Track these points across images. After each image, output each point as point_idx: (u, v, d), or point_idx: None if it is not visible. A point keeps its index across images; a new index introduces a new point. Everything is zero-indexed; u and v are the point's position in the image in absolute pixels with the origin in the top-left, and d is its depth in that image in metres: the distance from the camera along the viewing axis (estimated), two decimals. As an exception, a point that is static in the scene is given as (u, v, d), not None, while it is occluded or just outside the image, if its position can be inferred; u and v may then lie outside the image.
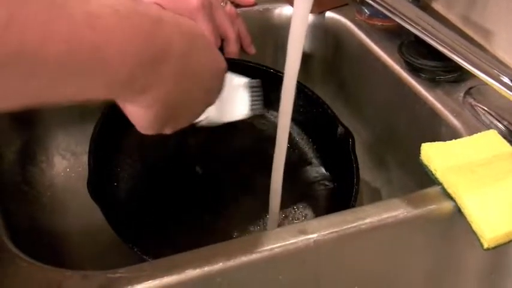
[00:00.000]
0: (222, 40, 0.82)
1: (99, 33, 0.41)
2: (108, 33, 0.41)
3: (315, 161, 0.82)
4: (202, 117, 0.61)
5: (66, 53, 0.39)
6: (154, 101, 0.48)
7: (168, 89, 0.48)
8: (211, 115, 0.62)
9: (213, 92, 0.58)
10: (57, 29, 0.38)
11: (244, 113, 0.65)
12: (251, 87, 0.65)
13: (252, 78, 0.77)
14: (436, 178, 0.63)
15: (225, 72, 0.58)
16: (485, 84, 0.65)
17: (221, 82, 0.58)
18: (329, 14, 0.92)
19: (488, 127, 0.70)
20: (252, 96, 0.66)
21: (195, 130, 0.81)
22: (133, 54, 0.43)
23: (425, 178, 0.64)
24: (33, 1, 0.36)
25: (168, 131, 0.55)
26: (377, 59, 0.84)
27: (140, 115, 0.50)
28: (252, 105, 0.66)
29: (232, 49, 0.83)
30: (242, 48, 0.85)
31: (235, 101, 0.65)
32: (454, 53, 0.67)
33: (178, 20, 0.50)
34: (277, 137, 0.67)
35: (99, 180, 0.65)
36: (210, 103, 0.58)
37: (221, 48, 0.82)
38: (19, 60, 0.36)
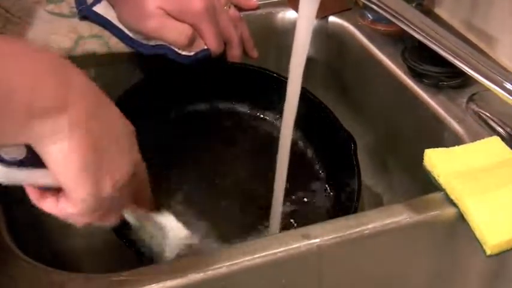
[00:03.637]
0: (225, 44, 0.82)
1: None
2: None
3: (316, 165, 0.82)
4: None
5: None
6: (73, 126, 0.44)
7: (80, 112, 0.45)
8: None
9: (133, 146, 0.51)
10: None
11: (185, 237, 0.61)
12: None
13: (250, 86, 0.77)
14: (439, 184, 0.63)
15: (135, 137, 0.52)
16: (488, 90, 0.65)
17: (133, 140, 0.52)
18: (332, 18, 0.92)
19: (491, 133, 0.70)
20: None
21: (195, 133, 0.82)
22: (34, 71, 0.43)
23: (427, 184, 0.64)
24: None
25: (107, 187, 0.47)
26: (380, 64, 0.84)
27: (63, 153, 0.44)
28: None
29: (235, 53, 0.83)
30: (245, 52, 0.85)
31: (169, 231, 0.61)
32: (457, 59, 0.67)
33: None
34: (281, 140, 0.67)
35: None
36: (136, 159, 0.51)
37: (224, 52, 0.82)
38: None
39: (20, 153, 0.46)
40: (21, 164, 0.46)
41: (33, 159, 0.46)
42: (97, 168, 0.46)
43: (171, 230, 0.60)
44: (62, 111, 0.43)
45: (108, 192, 0.47)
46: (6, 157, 0.45)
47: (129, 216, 0.58)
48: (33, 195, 0.50)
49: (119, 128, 0.49)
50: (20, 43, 0.44)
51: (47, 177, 0.47)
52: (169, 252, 0.60)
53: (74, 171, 0.45)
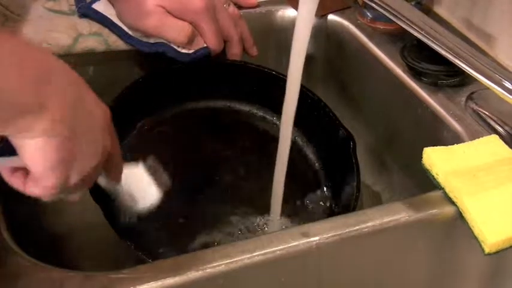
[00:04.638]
0: (225, 42, 0.82)
1: None
2: None
3: (316, 163, 0.82)
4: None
5: None
6: (49, 127, 0.45)
7: (59, 112, 0.45)
8: (127, 206, 0.64)
9: (109, 133, 0.53)
10: None
11: (154, 194, 0.65)
12: (149, 167, 0.66)
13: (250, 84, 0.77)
14: (438, 182, 0.63)
15: (110, 117, 0.54)
16: (487, 88, 0.65)
17: (109, 124, 0.54)
18: (331, 17, 0.92)
19: (490, 132, 0.70)
20: (154, 174, 0.66)
21: (194, 131, 0.82)
22: (16, 70, 0.43)
23: (426, 182, 0.64)
24: None
25: (76, 178, 0.49)
26: (379, 62, 0.84)
27: (40, 150, 0.45)
28: (158, 182, 0.66)
29: (235, 51, 0.83)
30: (244, 50, 0.85)
31: (142, 187, 0.65)
32: (456, 58, 0.67)
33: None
34: (280, 138, 0.67)
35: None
36: (112, 147, 0.54)
37: (224, 50, 0.82)
38: None
39: None
40: None
41: (5, 149, 0.47)
42: (67, 165, 0.48)
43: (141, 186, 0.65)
44: (40, 111, 0.44)
45: (75, 182, 0.49)
46: None
47: (102, 181, 0.61)
48: (3, 171, 0.51)
49: (94, 118, 0.50)
50: (5, 37, 0.44)
51: (18, 162, 0.48)
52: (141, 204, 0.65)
53: (46, 166, 0.46)
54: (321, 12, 0.92)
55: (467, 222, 0.60)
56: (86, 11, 0.81)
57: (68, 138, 0.46)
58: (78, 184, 0.51)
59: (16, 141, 0.46)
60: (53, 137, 0.45)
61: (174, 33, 0.76)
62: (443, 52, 0.68)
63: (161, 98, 0.80)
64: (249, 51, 0.86)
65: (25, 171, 0.49)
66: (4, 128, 0.44)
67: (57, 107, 0.45)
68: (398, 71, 0.81)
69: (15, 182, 0.50)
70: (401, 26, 0.71)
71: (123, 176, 0.61)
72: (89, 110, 0.50)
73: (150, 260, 0.59)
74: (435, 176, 0.63)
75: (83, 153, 0.49)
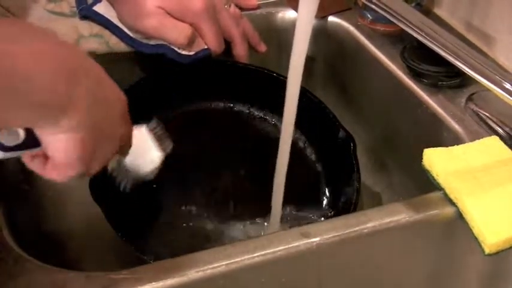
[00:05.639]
0: (229, 43, 0.82)
1: (19, 46, 0.42)
2: (27, 48, 0.43)
3: (316, 164, 0.82)
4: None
5: None
6: (75, 124, 0.47)
7: (85, 110, 0.47)
8: (130, 171, 0.64)
9: (126, 120, 0.55)
10: None
11: (156, 157, 0.65)
12: (152, 130, 0.66)
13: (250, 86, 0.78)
14: (438, 183, 0.63)
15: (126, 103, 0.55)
16: (487, 90, 0.65)
17: (126, 111, 0.55)
18: (332, 18, 0.92)
19: (490, 133, 0.70)
20: (157, 137, 0.66)
21: (194, 132, 0.82)
22: (50, 71, 0.44)
23: (426, 183, 0.65)
24: None
25: (96, 165, 0.52)
26: (379, 63, 0.84)
27: (65, 145, 0.47)
28: (161, 145, 0.65)
29: (239, 51, 0.83)
30: (252, 48, 0.85)
31: (145, 150, 0.65)
32: (456, 59, 0.67)
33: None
34: (281, 140, 0.67)
35: (101, 181, 0.65)
36: (127, 132, 0.56)
37: (227, 51, 0.82)
38: None
39: (19, 138, 0.49)
40: (19, 148, 0.49)
41: (31, 141, 0.49)
42: (88, 158, 0.50)
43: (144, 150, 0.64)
44: (69, 109, 0.46)
45: (95, 171, 0.52)
46: (4, 143, 0.48)
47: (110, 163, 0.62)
48: (24, 156, 0.52)
49: (113, 109, 0.52)
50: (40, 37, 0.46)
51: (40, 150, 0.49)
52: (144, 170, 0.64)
53: (70, 159, 0.48)
54: (321, 13, 0.92)
55: (467, 223, 0.60)
56: (87, 13, 0.81)
57: (90, 135, 0.48)
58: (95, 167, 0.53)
59: (41, 135, 0.47)
60: (77, 134, 0.47)
61: (174, 34, 0.76)
62: (443, 53, 0.68)
63: (162, 100, 0.80)
64: (256, 48, 0.86)
65: (44, 157, 0.51)
66: (34, 124, 0.46)
67: (84, 106, 0.47)
68: (399, 72, 0.81)
69: (35, 166, 0.52)
70: (401, 28, 0.71)
71: None
72: (108, 103, 0.51)
73: (150, 261, 0.59)
74: (435, 177, 0.63)
75: (103, 145, 0.51)
